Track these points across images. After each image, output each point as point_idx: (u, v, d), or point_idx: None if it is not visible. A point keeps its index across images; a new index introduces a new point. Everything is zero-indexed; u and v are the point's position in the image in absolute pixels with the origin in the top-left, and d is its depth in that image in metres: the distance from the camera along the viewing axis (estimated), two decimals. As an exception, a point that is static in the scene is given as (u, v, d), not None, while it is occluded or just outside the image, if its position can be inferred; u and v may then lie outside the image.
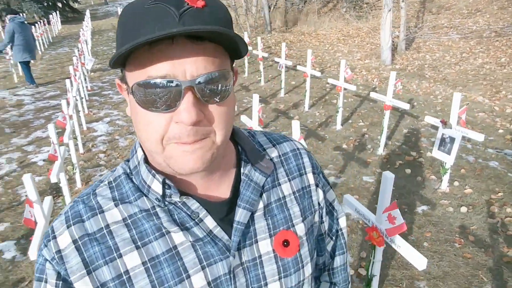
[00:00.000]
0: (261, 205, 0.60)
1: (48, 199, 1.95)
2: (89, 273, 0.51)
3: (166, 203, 0.54)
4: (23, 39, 6.83)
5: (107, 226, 0.53)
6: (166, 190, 0.53)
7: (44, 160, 4.16)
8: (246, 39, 6.86)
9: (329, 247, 0.76)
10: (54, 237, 0.52)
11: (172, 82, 0.45)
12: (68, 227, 0.53)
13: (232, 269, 0.55)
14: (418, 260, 1.58)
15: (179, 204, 0.54)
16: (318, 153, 4.17)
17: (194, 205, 0.54)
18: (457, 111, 3.20)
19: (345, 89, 4.66)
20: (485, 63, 7.17)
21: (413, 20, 10.84)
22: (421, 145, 4.29)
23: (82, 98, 5.47)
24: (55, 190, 3.54)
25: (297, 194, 0.65)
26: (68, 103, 3.69)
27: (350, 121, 5.09)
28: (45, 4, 19.30)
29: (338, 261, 0.78)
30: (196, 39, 0.45)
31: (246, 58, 7.71)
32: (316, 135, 4.70)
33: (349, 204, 1.88)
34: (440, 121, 3.30)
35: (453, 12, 10.75)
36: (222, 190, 0.58)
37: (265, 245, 0.59)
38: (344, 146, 4.35)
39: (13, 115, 5.79)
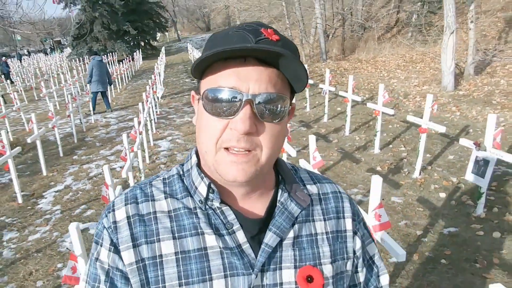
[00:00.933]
0: (291, 234, 0.65)
1: (119, 187, 2.67)
2: (134, 246, 0.61)
3: (207, 207, 0.63)
4: (99, 74, 8.87)
5: (154, 212, 0.64)
6: (210, 194, 0.62)
7: (121, 167, 5.18)
8: (327, 76, 7.43)
9: None
10: (113, 210, 0.64)
11: (236, 93, 0.55)
12: (125, 204, 0.64)
13: (252, 287, 0.61)
14: (398, 251, 1.94)
15: (218, 211, 0.63)
16: (350, 174, 4.43)
17: (230, 215, 0.63)
18: (492, 133, 3.31)
19: (383, 113, 4.91)
20: None
21: (493, 41, 10.55)
22: (465, 172, 4.31)
23: (152, 120, 6.94)
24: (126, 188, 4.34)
25: (330, 235, 0.69)
26: (139, 122, 4.65)
27: (390, 146, 5.26)
28: (132, 43, 23.83)
29: None
30: (265, 63, 0.56)
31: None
32: (352, 157, 4.96)
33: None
34: (474, 143, 3.42)
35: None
36: (258, 210, 0.65)
37: (288, 275, 0.63)
38: (379, 168, 4.55)
39: (102, 133, 7.60)
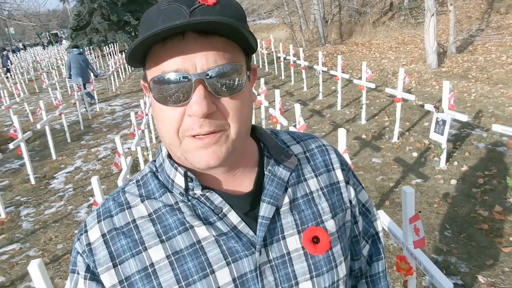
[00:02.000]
0: (286, 200, 0.60)
1: (129, 158, 3.21)
2: (115, 266, 0.55)
3: (190, 197, 0.56)
4: (76, 67, 8.60)
5: (134, 220, 0.57)
6: (189, 183, 0.56)
7: (128, 148, 5.64)
8: (301, 54, 7.88)
9: (365, 252, 0.74)
10: (86, 231, 0.57)
11: (183, 75, 0.48)
12: (98, 222, 0.57)
13: (258, 266, 0.56)
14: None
15: (202, 198, 0.56)
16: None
17: (217, 199, 0.56)
18: (447, 97, 3.82)
19: (368, 88, 5.41)
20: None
21: (477, 22, 10.82)
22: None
23: None
24: (134, 168, 4.93)
25: (325, 190, 0.65)
26: (145, 104, 5.15)
27: (376, 117, 5.78)
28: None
29: (376, 267, 0.76)
30: (206, 34, 0.48)
31: (292, 69, 8.76)
32: (337, 125, 5.51)
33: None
34: (434, 107, 3.94)
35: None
36: (245, 185, 0.60)
37: (293, 242, 0.59)
38: (364, 136, 5.09)
39: (108, 119, 7.91)
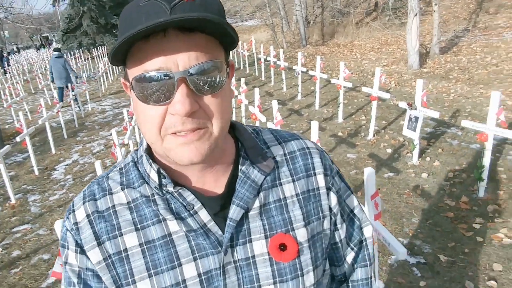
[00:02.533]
0: (257, 204, 0.63)
1: (124, 149, 3.44)
2: (98, 244, 0.61)
3: (164, 192, 0.62)
4: (56, 70, 9.36)
5: (113, 206, 0.63)
6: (162, 179, 0.61)
7: (120, 144, 5.89)
8: (281, 55, 8.18)
9: (349, 258, 0.76)
10: (73, 211, 0.64)
11: (165, 74, 0.51)
12: (83, 203, 0.64)
13: (223, 265, 0.60)
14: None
15: (175, 194, 0.61)
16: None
17: (189, 196, 0.61)
18: (420, 94, 4.15)
19: (344, 86, 5.73)
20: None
21: (464, 22, 11.37)
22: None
23: None
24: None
25: (301, 197, 0.66)
26: None
27: (353, 116, 6.11)
28: None
29: (359, 273, 0.78)
30: (188, 31, 0.51)
31: (272, 69, 9.05)
32: (319, 127, 5.79)
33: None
34: (407, 104, 4.27)
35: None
36: (218, 185, 0.63)
37: (259, 246, 0.62)
38: (340, 133, 5.39)
39: (99, 118, 8.70)
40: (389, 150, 4.67)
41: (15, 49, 41.54)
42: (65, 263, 0.64)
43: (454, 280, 2.50)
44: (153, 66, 0.51)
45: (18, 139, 4.94)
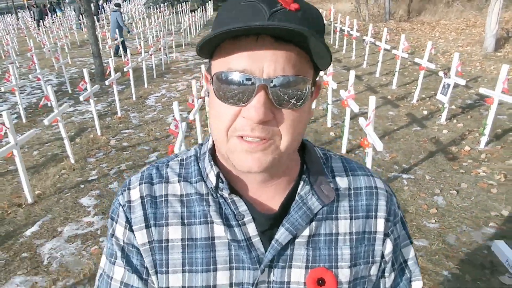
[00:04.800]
0: (306, 232, 0.64)
1: (184, 124, 3.41)
2: (147, 227, 0.65)
3: (218, 195, 0.64)
4: (112, 24, 11.48)
5: (167, 195, 0.66)
6: (219, 183, 0.63)
7: (199, 85, 7.74)
8: (370, 29, 9.22)
9: None
10: (129, 189, 0.68)
11: (247, 77, 0.51)
12: (140, 184, 0.67)
13: (256, 283, 0.62)
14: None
15: (229, 200, 0.63)
16: (366, 99, 6.48)
17: (242, 206, 0.63)
18: (456, 65, 5.17)
19: (402, 57, 6.79)
20: None
21: None
22: (452, 101, 6.17)
23: None
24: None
25: (354, 236, 0.66)
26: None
27: (407, 85, 7.16)
28: None
29: None
30: (281, 40, 0.51)
31: (345, 39, 10.14)
32: (373, 90, 6.98)
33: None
34: (443, 73, 5.32)
35: None
36: (273, 203, 0.65)
37: (297, 274, 0.63)
38: (389, 97, 6.55)
39: (183, 65, 10.70)
40: (425, 112, 5.78)
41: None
42: (112, 235, 0.67)
43: (429, 188, 3.78)
44: (238, 66, 0.52)
45: (125, 69, 6.76)
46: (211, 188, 0.64)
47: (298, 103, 0.54)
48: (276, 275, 0.63)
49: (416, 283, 0.75)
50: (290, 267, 0.63)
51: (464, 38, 10.75)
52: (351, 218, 0.67)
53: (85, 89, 5.23)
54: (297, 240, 0.63)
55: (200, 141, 3.99)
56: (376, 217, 0.68)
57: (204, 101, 4.90)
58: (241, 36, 0.51)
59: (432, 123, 5.40)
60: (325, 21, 8.45)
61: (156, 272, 0.64)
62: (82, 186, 4.11)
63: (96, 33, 9.13)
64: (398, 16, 15.55)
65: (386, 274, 0.72)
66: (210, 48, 0.56)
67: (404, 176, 4.03)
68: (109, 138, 5.52)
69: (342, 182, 0.69)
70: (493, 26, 9.31)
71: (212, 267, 0.63)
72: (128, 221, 0.66)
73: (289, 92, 0.53)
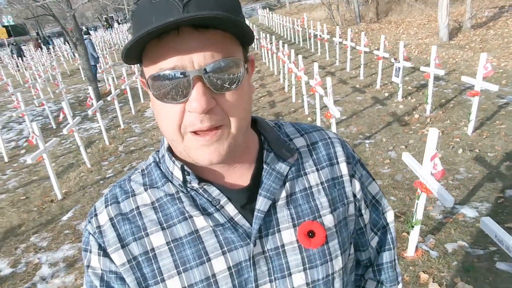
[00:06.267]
0: (283, 194, 0.68)
1: None
2: (122, 247, 0.65)
3: (188, 189, 0.65)
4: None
5: (137, 208, 0.67)
6: (186, 176, 0.64)
7: None
8: (337, 31, 10.33)
9: (373, 243, 0.84)
10: (96, 215, 0.68)
11: (180, 73, 0.53)
12: (106, 206, 0.68)
13: (252, 256, 0.65)
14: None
15: (200, 190, 0.65)
16: (339, 89, 7.71)
17: (214, 192, 0.65)
18: (402, 51, 6.41)
19: (364, 52, 8.06)
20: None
21: None
22: (408, 83, 7.41)
23: None
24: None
25: (325, 185, 0.72)
26: None
27: (373, 75, 8.43)
28: None
29: (384, 257, 0.85)
30: (202, 27, 0.53)
31: (318, 42, 11.45)
32: (344, 82, 8.22)
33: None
34: (394, 58, 6.57)
35: None
36: (243, 179, 0.68)
37: (288, 235, 0.67)
38: (357, 86, 7.80)
39: None
40: (386, 94, 7.02)
41: (84, 29, 48.29)
42: (88, 266, 0.67)
43: (385, 147, 4.95)
44: (168, 65, 0.53)
45: (123, 86, 7.97)
46: (179, 184, 0.66)
47: (234, 84, 0.56)
48: (269, 243, 0.66)
49: (389, 213, 0.84)
50: (279, 231, 0.66)
51: (424, 31, 12.15)
52: (317, 170, 0.72)
53: (92, 104, 6.26)
54: (277, 203, 0.67)
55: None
56: (338, 162, 0.74)
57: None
58: (163, 34, 0.52)
59: (391, 101, 6.62)
60: (299, 28, 9.80)
61: (148, 286, 0.64)
62: (102, 182, 5.22)
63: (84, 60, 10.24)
64: (368, 19, 17.01)
65: (362, 211, 0.78)
66: (136, 54, 0.57)
67: (367, 141, 5.20)
68: (117, 145, 6.63)
69: (299, 142, 0.74)
70: (444, 19, 10.69)
71: (205, 258, 0.64)
72: (101, 247, 0.66)
73: (224, 76, 0.55)
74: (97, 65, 12.61)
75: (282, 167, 0.69)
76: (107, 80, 8.16)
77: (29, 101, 9.70)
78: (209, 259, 0.64)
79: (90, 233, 0.68)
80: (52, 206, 4.68)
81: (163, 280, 0.64)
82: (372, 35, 13.31)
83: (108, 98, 7.11)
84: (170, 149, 0.69)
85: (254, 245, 0.64)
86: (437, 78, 7.50)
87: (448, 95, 6.48)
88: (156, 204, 0.67)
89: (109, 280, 0.67)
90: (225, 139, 0.58)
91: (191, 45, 0.53)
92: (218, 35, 0.55)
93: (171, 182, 0.67)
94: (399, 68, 6.39)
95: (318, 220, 0.69)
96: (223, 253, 0.64)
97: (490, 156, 4.29)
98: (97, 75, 12.51)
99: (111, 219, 0.67)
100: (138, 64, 0.62)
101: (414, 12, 15.64)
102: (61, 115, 5.42)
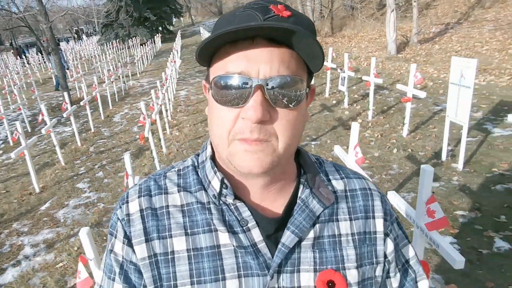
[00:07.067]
0: (311, 234, 0.65)
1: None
2: (146, 241, 0.65)
3: (221, 202, 0.65)
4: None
5: (167, 206, 0.67)
6: (223, 189, 0.64)
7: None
8: None
9: None
10: (127, 202, 0.68)
11: (244, 79, 0.55)
12: (139, 196, 0.68)
13: None
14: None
15: (232, 207, 0.64)
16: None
17: (245, 212, 0.64)
18: (347, 62, 7.01)
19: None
20: (487, 49, 9.46)
21: (459, 15, 13.34)
22: (355, 91, 8.03)
23: (174, 78, 11.22)
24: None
25: (356, 237, 0.68)
26: (162, 85, 8.50)
27: (323, 85, 9.03)
28: (152, 29, 29.90)
29: None
30: (276, 43, 0.55)
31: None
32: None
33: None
34: (339, 68, 7.16)
35: (508, 5, 12.40)
36: (275, 206, 0.66)
37: (306, 278, 0.64)
38: (325, 102, 8.33)
39: (140, 90, 12.41)
40: (334, 102, 7.59)
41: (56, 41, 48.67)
42: (111, 251, 0.68)
43: (329, 147, 5.42)
44: (235, 69, 0.55)
45: (94, 93, 8.19)
46: (213, 195, 0.65)
47: (293, 103, 0.57)
48: (285, 280, 0.63)
49: (422, 282, 0.77)
50: (298, 271, 0.64)
51: (374, 45, 13.05)
52: (350, 219, 0.69)
53: (67, 108, 6.58)
54: (303, 243, 0.65)
55: (153, 148, 5.00)
56: (374, 217, 0.71)
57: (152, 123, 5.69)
58: (238, 40, 0.55)
59: (338, 108, 7.19)
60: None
61: (161, 287, 0.63)
62: (75, 177, 5.46)
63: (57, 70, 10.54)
64: (324, 33, 17.91)
65: (391, 274, 0.74)
66: (208, 55, 0.60)
67: (313, 143, 5.66)
68: (89, 146, 6.93)
69: (338, 184, 0.72)
70: (392, 34, 11.58)
71: (220, 276, 0.62)
72: (127, 236, 0.66)
73: (284, 92, 0.55)
74: (68, 74, 12.89)
75: (316, 206, 0.66)
76: (79, 88, 8.43)
77: (4, 107, 9.78)
78: (224, 278, 0.62)
79: (118, 219, 0.68)
80: (31, 198, 4.98)
81: (176, 286, 0.63)
82: (326, 48, 14.07)
83: (81, 103, 7.37)
84: (212, 157, 0.69)
85: (271, 278, 0.62)
86: (381, 87, 8.21)
87: (390, 103, 7.13)
88: (185, 208, 0.67)
89: (128, 270, 0.66)
90: (270, 154, 0.58)
91: (262, 56, 0.55)
92: (289, 53, 0.56)
93: (205, 191, 0.67)
94: (344, 77, 6.98)
95: (341, 272, 0.66)
96: (239, 276, 0.63)
97: (421, 155, 4.85)
98: (68, 83, 12.74)
99: (141, 211, 0.67)
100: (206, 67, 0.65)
101: (367, 27, 16.68)
102: (40, 116, 5.74)
